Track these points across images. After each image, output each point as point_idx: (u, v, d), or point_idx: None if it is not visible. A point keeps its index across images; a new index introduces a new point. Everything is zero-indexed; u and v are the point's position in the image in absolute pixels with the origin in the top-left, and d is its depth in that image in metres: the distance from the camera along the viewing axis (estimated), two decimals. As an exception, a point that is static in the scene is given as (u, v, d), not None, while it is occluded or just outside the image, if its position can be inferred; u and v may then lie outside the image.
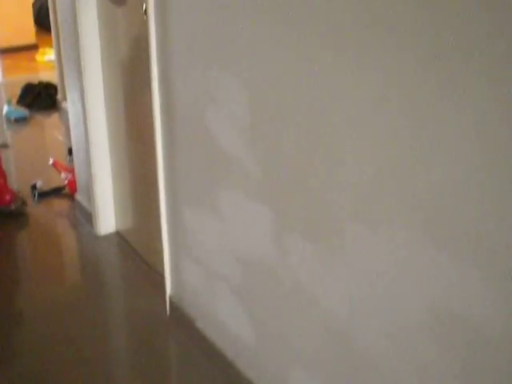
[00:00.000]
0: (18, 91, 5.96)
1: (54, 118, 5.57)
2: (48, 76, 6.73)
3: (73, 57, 3.29)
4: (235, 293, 2.20)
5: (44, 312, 2.81)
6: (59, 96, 5.66)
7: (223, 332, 2.33)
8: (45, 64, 7.75)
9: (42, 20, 9.06)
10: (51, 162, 4.05)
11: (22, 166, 4.52)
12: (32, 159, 4.67)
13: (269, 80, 1.76)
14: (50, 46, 7.97)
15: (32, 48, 8.30)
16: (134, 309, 2.86)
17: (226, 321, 2.30)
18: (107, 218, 3.42)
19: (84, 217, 3.60)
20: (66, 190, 3.91)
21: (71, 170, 3.85)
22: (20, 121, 5.38)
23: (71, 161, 4.38)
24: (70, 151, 4.43)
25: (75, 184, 3.72)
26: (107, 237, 3.42)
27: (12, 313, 2.82)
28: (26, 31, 8.48)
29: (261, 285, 2.03)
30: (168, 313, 2.73)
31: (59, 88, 5.64)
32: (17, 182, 4.26)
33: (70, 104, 3.60)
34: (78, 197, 3.71)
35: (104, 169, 3.34)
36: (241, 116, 1.91)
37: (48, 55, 7.85)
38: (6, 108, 5.44)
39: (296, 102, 1.67)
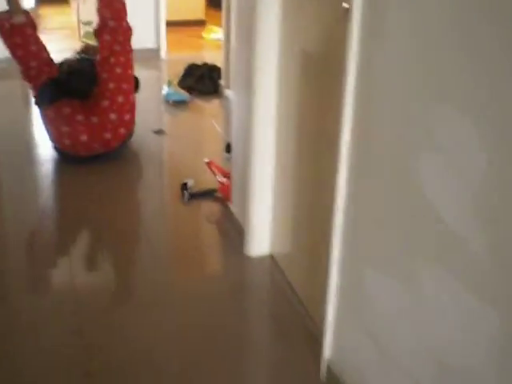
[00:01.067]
0: (180, 70, 5.77)
1: (215, 104, 5.31)
2: (212, 56, 6.52)
3: (245, 43, 2.93)
4: (423, 392, 1.71)
5: (169, 337, 2.50)
6: (222, 82, 5.38)
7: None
8: (211, 42, 7.58)
9: (212, -5, 8.94)
10: (206, 160, 3.75)
11: (175, 157, 4.28)
12: (186, 150, 4.42)
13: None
14: (218, 24, 7.80)
15: (199, 24, 8.18)
16: (279, 358, 2.45)
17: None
18: (262, 238, 3.03)
19: (235, 230, 3.25)
20: (219, 194, 3.58)
21: (227, 174, 3.51)
22: (179, 104, 5.17)
23: (228, 159, 4.07)
24: (228, 148, 4.13)
25: (230, 190, 3.38)
26: (259, 260, 3.03)
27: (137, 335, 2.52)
28: (196, 5, 8.37)
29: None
30: (322, 379, 2.29)
31: (223, 73, 5.35)
32: (168, 176, 4.03)
33: (235, 96, 3.24)
34: (232, 206, 3.36)
35: (265, 181, 2.95)
36: (473, 176, 1.41)
37: (215, 33, 7.67)
38: (166, 89, 5.26)
39: None
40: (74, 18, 8.02)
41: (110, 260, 3.16)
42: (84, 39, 7.30)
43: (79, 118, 3.88)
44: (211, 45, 7.51)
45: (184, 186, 3.63)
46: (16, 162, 4.08)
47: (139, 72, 4.25)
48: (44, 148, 4.20)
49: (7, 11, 3.87)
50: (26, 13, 3.98)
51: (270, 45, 2.71)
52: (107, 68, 3.93)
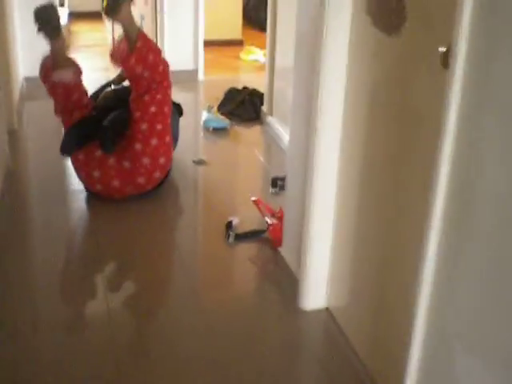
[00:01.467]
0: (217, 92, 5.58)
1: (256, 132, 5.09)
2: (251, 79, 6.32)
3: (305, 75, 2.72)
4: None
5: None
6: (265, 108, 5.17)
7: None
8: (249, 63, 7.39)
9: (249, 15, 8.73)
10: (254, 199, 3.52)
11: (217, 190, 4.04)
12: (228, 183, 4.21)
13: None
14: (257, 45, 7.60)
15: (237, 44, 7.98)
16: None
17: None
18: (318, 290, 2.79)
19: (286, 278, 3.00)
20: (267, 235, 3.35)
21: (277, 215, 3.28)
22: (219, 131, 4.95)
23: (274, 193, 3.86)
24: (275, 183, 3.91)
25: (281, 234, 3.14)
26: (314, 314, 2.78)
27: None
28: (233, 25, 8.18)
29: None
30: None
31: (266, 98, 5.13)
32: (210, 212, 3.80)
33: (291, 133, 3.01)
34: (283, 251, 3.13)
35: (324, 227, 2.71)
36: None
37: (253, 54, 7.47)
38: (205, 115, 5.05)
39: None
40: (108, 35, 7.90)
41: (146, 308, 2.92)
42: (118, 58, 7.15)
43: (111, 161, 3.59)
44: (249, 66, 7.32)
45: (229, 226, 3.41)
46: (47, 195, 3.85)
47: (177, 95, 3.97)
48: (77, 180, 3.94)
49: (51, 57, 3.58)
50: (72, 64, 3.65)
51: (336, 78, 2.48)
52: (140, 106, 3.56)
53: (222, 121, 5.01)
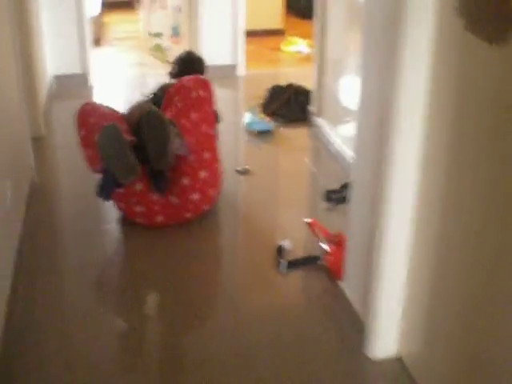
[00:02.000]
0: (258, 89, 5.20)
1: (303, 134, 4.68)
2: (295, 72, 5.93)
3: (376, 76, 2.32)
4: None
5: None
6: (313, 108, 4.76)
7: None
8: (291, 55, 6.97)
9: (289, 1, 8.28)
10: (308, 221, 3.14)
11: (263, 206, 3.62)
12: (276, 197, 3.81)
13: None
14: (299, 35, 7.16)
15: (277, 33, 7.57)
16: None
17: None
18: (388, 336, 2.40)
19: (349, 318, 2.61)
20: (323, 262, 2.96)
21: (335, 240, 2.89)
22: (262, 134, 4.56)
23: (328, 209, 3.47)
24: (329, 196, 3.53)
25: (340, 264, 2.75)
26: (383, 364, 2.39)
27: None
28: (273, 13, 7.76)
29: None
30: None
31: (314, 97, 4.72)
32: (257, 233, 3.38)
33: (357, 148, 2.58)
34: (344, 286, 2.73)
35: (398, 262, 2.30)
36: None
37: (295, 45, 7.06)
38: (248, 116, 4.66)
39: None
40: (141, 28, 7.55)
41: (186, 338, 2.56)
42: (153, 52, 6.80)
43: (155, 197, 3.17)
44: (292, 58, 6.90)
45: (280, 250, 3.02)
46: (78, 215, 3.48)
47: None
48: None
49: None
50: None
51: (416, 87, 2.07)
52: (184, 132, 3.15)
53: (267, 123, 4.61)
